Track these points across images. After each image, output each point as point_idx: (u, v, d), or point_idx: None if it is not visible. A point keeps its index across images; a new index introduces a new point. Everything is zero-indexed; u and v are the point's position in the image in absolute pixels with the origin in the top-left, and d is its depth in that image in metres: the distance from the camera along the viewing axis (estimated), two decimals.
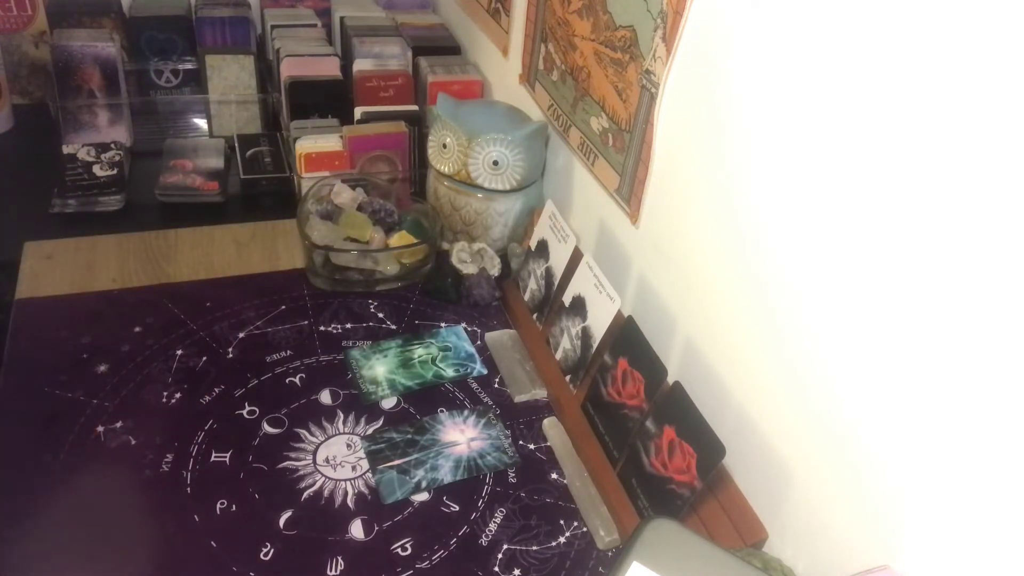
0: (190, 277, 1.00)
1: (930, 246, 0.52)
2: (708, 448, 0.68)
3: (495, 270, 1.04)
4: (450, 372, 0.90)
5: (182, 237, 1.07)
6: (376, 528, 0.74)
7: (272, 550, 0.71)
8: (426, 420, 0.85)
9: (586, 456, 0.82)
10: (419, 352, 0.92)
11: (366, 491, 0.77)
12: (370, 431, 0.83)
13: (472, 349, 0.94)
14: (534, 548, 0.74)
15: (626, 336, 0.80)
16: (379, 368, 0.89)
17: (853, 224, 0.58)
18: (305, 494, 0.76)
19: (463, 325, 0.98)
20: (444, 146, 1.04)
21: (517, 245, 1.08)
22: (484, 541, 0.74)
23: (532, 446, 0.84)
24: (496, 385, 0.91)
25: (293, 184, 1.16)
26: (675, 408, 0.72)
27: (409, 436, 0.83)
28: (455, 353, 0.93)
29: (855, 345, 0.60)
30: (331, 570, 0.70)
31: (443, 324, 0.98)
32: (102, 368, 0.86)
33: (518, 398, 0.89)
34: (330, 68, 1.24)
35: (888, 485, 0.58)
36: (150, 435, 0.79)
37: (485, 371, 0.91)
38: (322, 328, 0.95)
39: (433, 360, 0.91)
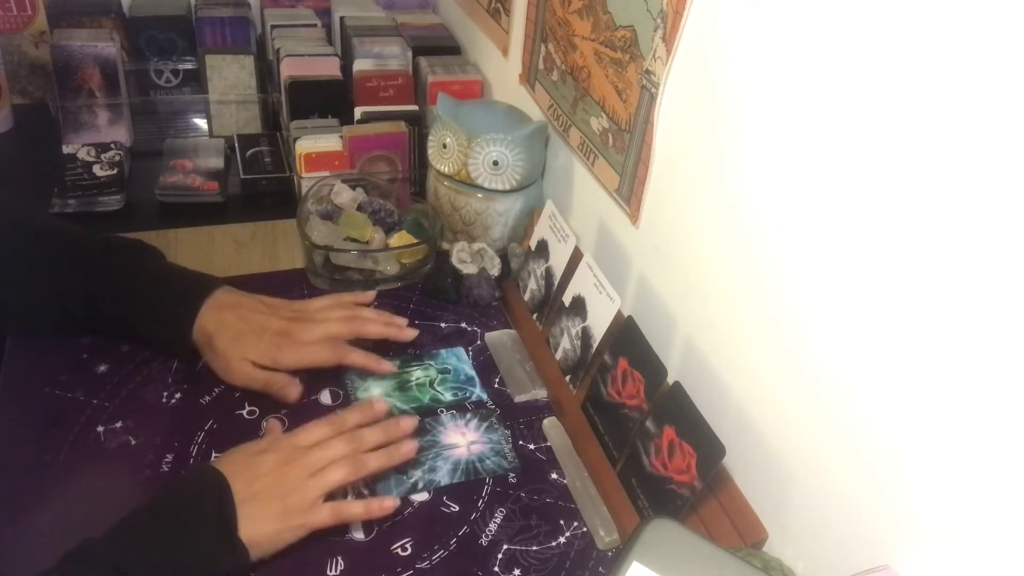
0: None
1: (930, 245, 0.52)
2: (708, 448, 0.68)
3: (495, 270, 1.04)
4: (448, 396, 0.88)
5: (182, 237, 1.07)
6: (376, 528, 0.74)
7: None
8: (427, 421, 0.85)
9: (586, 456, 0.82)
10: (417, 374, 0.90)
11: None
12: None
13: (472, 372, 0.92)
14: (534, 548, 0.74)
15: (626, 336, 0.80)
16: (375, 390, 0.87)
17: (853, 224, 0.58)
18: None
19: (463, 348, 0.98)
20: (444, 146, 1.04)
21: (517, 245, 1.08)
22: (484, 541, 0.74)
23: (532, 446, 0.84)
24: (496, 385, 0.91)
25: (293, 184, 1.16)
26: (675, 408, 0.72)
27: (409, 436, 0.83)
28: (454, 376, 0.91)
29: (856, 345, 0.60)
30: (331, 570, 0.70)
31: (443, 323, 0.98)
32: (102, 368, 0.86)
33: (518, 398, 0.89)
34: (330, 68, 1.24)
35: (889, 485, 0.58)
36: (150, 435, 0.79)
37: (485, 396, 0.89)
38: None
39: (431, 383, 0.90)
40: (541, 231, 0.97)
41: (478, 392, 0.90)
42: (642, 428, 0.75)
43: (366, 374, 0.89)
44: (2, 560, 0.67)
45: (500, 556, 0.73)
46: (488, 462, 0.81)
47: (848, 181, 0.58)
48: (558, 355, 0.91)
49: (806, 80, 0.61)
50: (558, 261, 0.94)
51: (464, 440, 0.83)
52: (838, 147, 0.59)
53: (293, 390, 0.82)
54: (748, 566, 0.49)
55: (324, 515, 0.69)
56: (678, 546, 0.49)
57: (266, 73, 1.34)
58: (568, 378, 0.89)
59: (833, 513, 0.64)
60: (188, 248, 1.05)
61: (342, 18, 1.41)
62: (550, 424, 0.86)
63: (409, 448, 0.76)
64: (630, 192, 0.88)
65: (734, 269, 0.73)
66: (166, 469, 0.76)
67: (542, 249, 0.97)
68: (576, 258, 0.90)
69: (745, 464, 0.75)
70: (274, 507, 0.67)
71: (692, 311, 0.82)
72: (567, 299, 0.90)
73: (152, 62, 1.33)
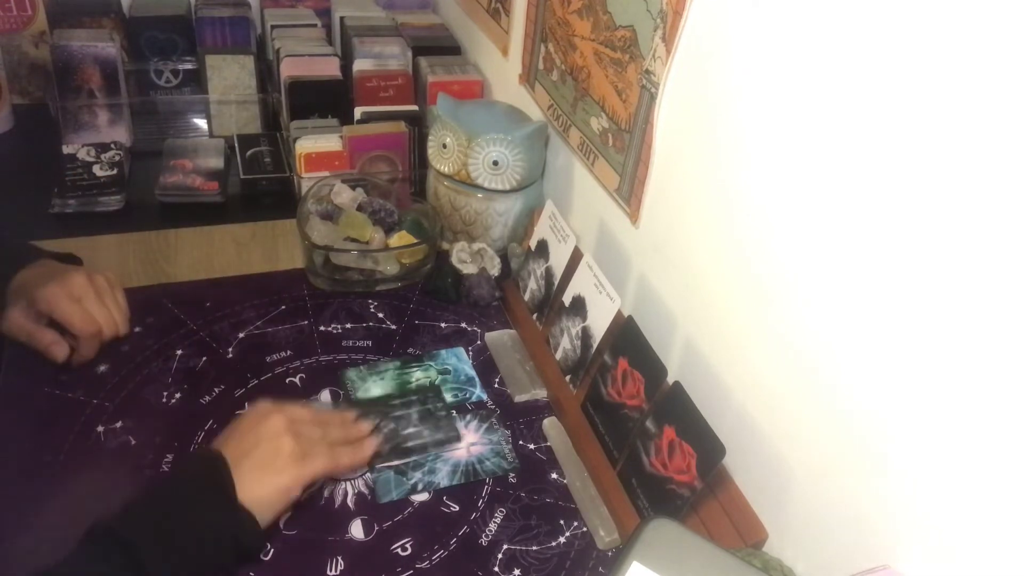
0: (190, 277, 1.00)
1: (929, 244, 0.52)
2: (708, 448, 0.68)
3: (495, 270, 1.04)
4: (448, 397, 0.88)
5: (182, 237, 1.07)
6: (376, 528, 0.74)
7: (272, 550, 0.71)
8: None
9: (586, 456, 0.82)
10: (417, 375, 0.90)
11: (366, 491, 0.77)
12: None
13: (473, 372, 0.91)
14: (534, 548, 0.74)
15: (626, 336, 0.80)
16: (375, 391, 0.87)
17: (853, 224, 0.58)
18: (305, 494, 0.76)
19: (463, 348, 0.97)
20: (444, 146, 1.04)
21: (517, 245, 1.08)
22: (484, 541, 0.74)
23: (532, 446, 0.84)
24: (496, 385, 0.91)
25: (293, 184, 1.16)
26: (675, 408, 0.72)
27: None
28: (455, 376, 0.90)
29: (856, 344, 0.60)
30: (331, 570, 0.70)
31: (443, 323, 0.98)
32: (102, 368, 0.86)
33: (518, 398, 0.89)
34: (330, 68, 1.24)
35: (888, 485, 0.58)
36: (150, 435, 0.79)
37: (485, 396, 0.89)
38: (322, 328, 0.95)
39: (432, 384, 0.90)
40: (541, 231, 0.97)
41: (478, 392, 0.89)
42: (642, 428, 0.75)
43: (365, 373, 0.89)
44: (3, 560, 0.67)
45: (500, 556, 0.73)
46: (488, 463, 0.81)
47: (848, 181, 0.58)
48: (558, 355, 0.91)
49: (806, 80, 0.61)
50: (558, 261, 0.94)
51: (464, 441, 0.83)
52: (836, 147, 0.59)
53: (59, 349, 0.82)
54: (748, 566, 0.49)
55: (319, 462, 0.70)
56: (678, 546, 0.49)
57: (266, 73, 1.34)
58: (568, 378, 0.89)
59: (833, 513, 0.64)
60: (188, 248, 1.05)
61: (342, 18, 1.41)
62: (550, 424, 0.86)
63: (372, 445, 0.77)
64: (630, 192, 0.88)
65: (734, 269, 0.73)
66: (166, 469, 0.76)
67: (542, 249, 0.97)
68: (576, 258, 0.90)
69: (745, 464, 0.75)
70: (268, 465, 0.67)
71: (692, 311, 0.82)
72: (567, 299, 0.90)
73: (152, 62, 1.33)
